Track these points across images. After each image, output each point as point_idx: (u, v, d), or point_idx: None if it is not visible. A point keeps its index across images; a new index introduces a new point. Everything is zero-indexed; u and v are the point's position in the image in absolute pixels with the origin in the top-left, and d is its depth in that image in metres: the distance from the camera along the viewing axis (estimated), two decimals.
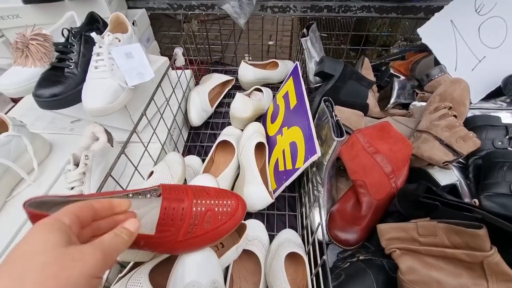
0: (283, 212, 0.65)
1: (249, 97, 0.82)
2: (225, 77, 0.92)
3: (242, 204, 0.41)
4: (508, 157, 0.55)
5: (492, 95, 0.76)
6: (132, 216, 0.30)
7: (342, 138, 0.49)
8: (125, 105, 0.60)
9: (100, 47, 0.56)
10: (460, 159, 0.62)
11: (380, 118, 0.84)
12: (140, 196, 0.37)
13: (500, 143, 0.61)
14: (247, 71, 0.89)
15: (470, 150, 0.58)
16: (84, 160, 0.51)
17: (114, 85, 0.55)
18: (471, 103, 0.74)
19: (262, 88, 0.87)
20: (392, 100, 0.82)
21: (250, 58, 1.11)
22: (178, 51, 0.72)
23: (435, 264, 0.44)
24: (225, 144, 0.72)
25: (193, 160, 0.71)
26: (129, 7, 0.97)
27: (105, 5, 0.80)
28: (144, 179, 0.56)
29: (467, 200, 0.58)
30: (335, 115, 0.54)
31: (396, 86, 0.83)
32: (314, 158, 0.50)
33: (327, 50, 1.06)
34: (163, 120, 0.65)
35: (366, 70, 0.90)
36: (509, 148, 0.60)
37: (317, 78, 0.85)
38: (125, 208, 0.30)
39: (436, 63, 0.85)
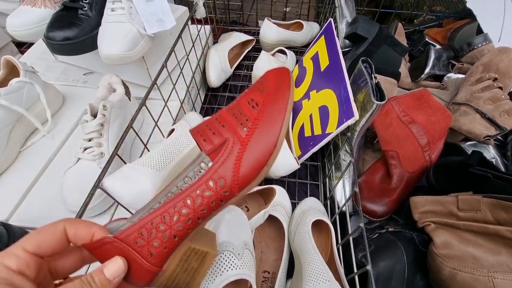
0: (304, 181, 0.63)
1: None
2: (245, 37, 0.86)
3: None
4: None
5: None
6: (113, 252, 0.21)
7: (383, 102, 0.45)
8: (143, 55, 0.55)
9: None
10: (498, 136, 0.58)
11: (411, 89, 0.79)
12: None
13: None
14: (270, 30, 0.82)
15: None
16: (102, 111, 0.47)
17: (133, 30, 0.50)
18: None
19: (286, 50, 0.80)
20: (426, 70, 0.76)
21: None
22: (199, 0, 0.65)
23: (473, 240, 0.41)
24: None
25: None
26: None
27: None
28: (164, 136, 0.53)
29: None
30: (375, 77, 0.49)
31: (432, 55, 0.77)
32: (350, 121, 0.46)
33: None
34: (183, 75, 0.61)
35: (399, 36, 0.83)
36: None
37: (347, 41, 0.78)
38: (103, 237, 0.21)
39: (479, 31, 0.77)
